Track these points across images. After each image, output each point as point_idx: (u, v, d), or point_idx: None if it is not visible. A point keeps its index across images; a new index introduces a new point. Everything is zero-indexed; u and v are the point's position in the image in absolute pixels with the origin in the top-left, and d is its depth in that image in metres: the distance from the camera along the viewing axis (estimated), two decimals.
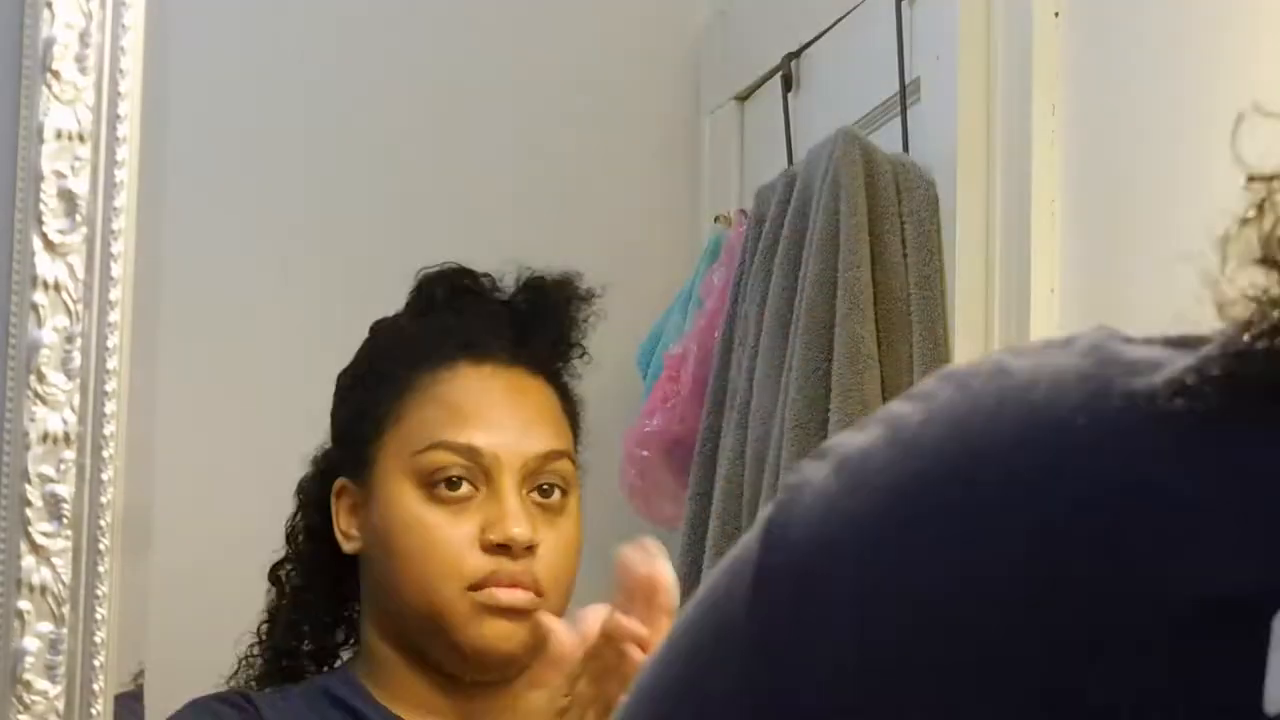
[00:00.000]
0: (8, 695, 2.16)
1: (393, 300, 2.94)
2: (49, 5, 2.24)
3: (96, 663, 2.20)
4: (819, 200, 2.42)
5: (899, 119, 2.46)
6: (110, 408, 2.25)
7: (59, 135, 2.25)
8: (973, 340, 2.28)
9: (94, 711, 2.19)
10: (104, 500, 2.22)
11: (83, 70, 2.26)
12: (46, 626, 2.18)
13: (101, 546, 2.19)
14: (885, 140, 2.47)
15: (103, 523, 2.21)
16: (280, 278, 2.85)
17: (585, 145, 3.00)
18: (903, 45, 2.45)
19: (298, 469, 2.88)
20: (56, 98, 2.24)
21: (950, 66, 2.34)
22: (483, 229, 2.94)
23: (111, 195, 2.25)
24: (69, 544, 2.18)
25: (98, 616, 2.18)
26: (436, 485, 1.69)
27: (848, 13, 2.64)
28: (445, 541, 1.67)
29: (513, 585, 1.66)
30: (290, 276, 2.86)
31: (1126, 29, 2.11)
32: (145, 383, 2.58)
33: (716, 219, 2.91)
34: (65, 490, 2.20)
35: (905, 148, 2.44)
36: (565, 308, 1.80)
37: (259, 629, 1.84)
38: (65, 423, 2.22)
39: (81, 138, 2.25)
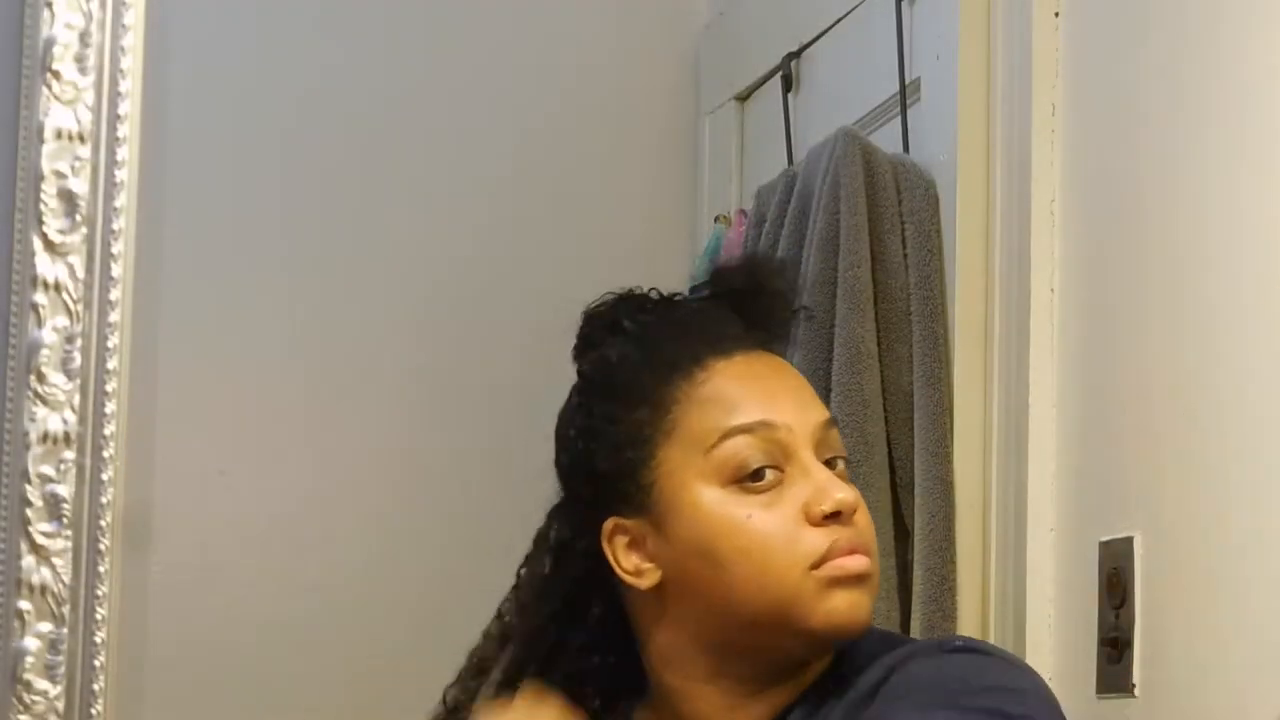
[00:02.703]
0: (8, 695, 2.17)
1: (392, 298, 2.95)
2: (49, 5, 2.24)
3: (96, 663, 2.20)
4: (819, 200, 2.42)
5: (899, 119, 2.46)
6: (110, 408, 2.25)
7: (59, 135, 2.25)
8: (973, 340, 2.28)
9: (94, 711, 2.19)
10: (104, 500, 2.22)
11: (83, 70, 2.26)
12: (46, 626, 2.19)
13: (101, 546, 2.20)
14: (885, 140, 2.47)
15: (103, 523, 2.21)
16: (280, 277, 2.85)
17: (586, 145, 3.00)
18: (903, 45, 2.45)
19: (298, 467, 2.88)
20: (56, 98, 2.25)
21: (950, 66, 2.34)
22: (483, 229, 2.94)
23: (111, 195, 2.25)
24: (69, 544, 2.19)
25: (98, 616, 2.18)
26: (742, 480, 1.66)
27: (848, 13, 2.64)
28: (776, 528, 1.62)
29: (852, 551, 1.64)
30: (290, 276, 2.86)
31: (1126, 29, 2.11)
32: (145, 383, 2.58)
33: (716, 219, 2.91)
34: (65, 490, 2.21)
35: (905, 148, 2.44)
36: (776, 280, 1.76)
37: None
38: (65, 423, 2.22)
39: (81, 138, 2.25)
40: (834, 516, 1.62)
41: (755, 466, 1.63)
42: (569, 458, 1.73)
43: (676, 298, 1.74)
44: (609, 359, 1.71)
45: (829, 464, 1.66)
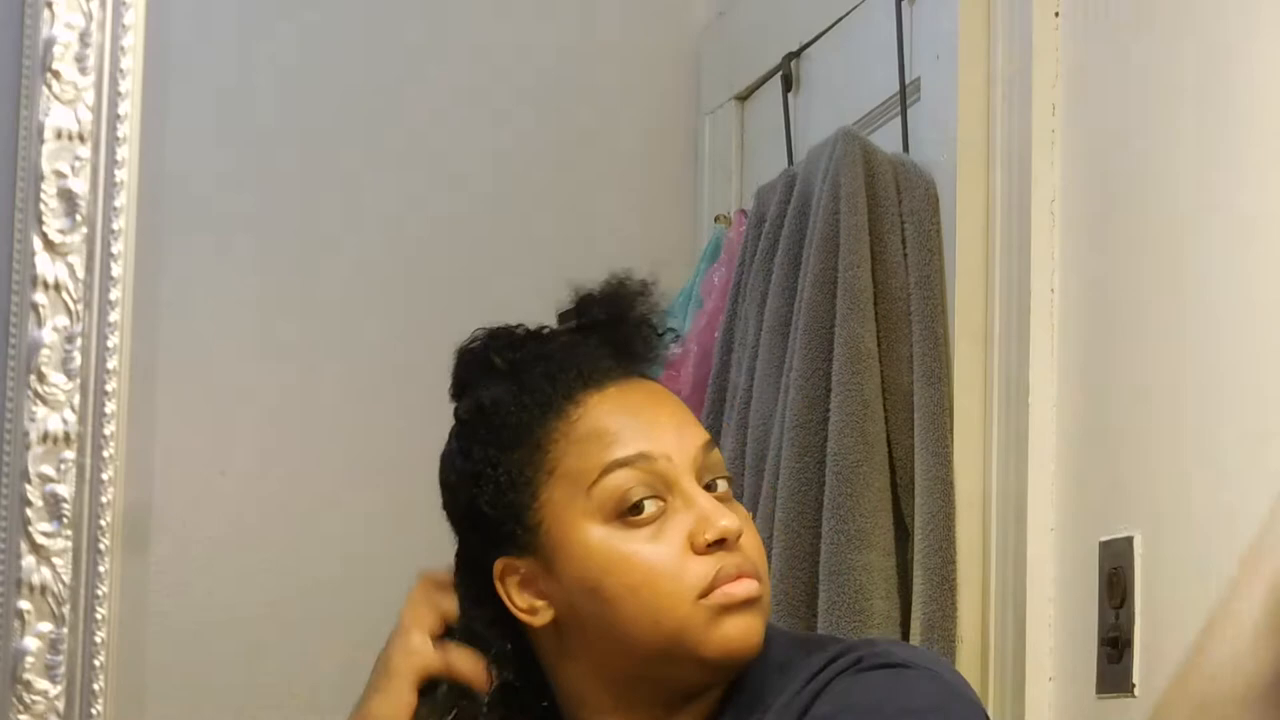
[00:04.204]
0: (8, 695, 2.16)
1: (392, 298, 2.95)
2: (49, 5, 2.24)
3: (96, 663, 2.20)
4: (819, 200, 2.42)
5: (899, 119, 2.46)
6: (110, 408, 2.25)
7: (59, 135, 2.24)
8: (973, 340, 2.28)
9: (94, 711, 2.19)
10: (104, 500, 2.22)
11: (83, 70, 2.26)
12: (46, 626, 2.18)
13: (101, 546, 2.19)
14: (885, 140, 2.47)
15: (103, 523, 2.21)
16: (280, 277, 2.85)
17: (586, 145, 3.00)
18: (903, 45, 2.45)
19: (298, 467, 2.88)
20: (56, 98, 2.24)
21: (950, 66, 2.34)
22: (483, 229, 2.94)
23: (111, 195, 2.25)
24: (69, 544, 2.18)
25: (98, 616, 2.18)
26: (624, 515, 1.66)
27: (848, 13, 2.65)
28: (661, 561, 1.62)
29: (739, 576, 1.64)
30: (290, 276, 2.86)
31: (1126, 29, 2.11)
32: (145, 383, 2.58)
33: (716, 219, 2.91)
34: (65, 490, 2.20)
35: (905, 148, 2.44)
36: (639, 306, 1.76)
37: None
38: (65, 423, 2.22)
39: (81, 138, 2.25)
40: (719, 543, 1.62)
41: (636, 499, 1.62)
42: (454, 503, 1.74)
43: (545, 331, 1.74)
44: (483, 402, 1.71)
45: (712, 486, 1.66)
